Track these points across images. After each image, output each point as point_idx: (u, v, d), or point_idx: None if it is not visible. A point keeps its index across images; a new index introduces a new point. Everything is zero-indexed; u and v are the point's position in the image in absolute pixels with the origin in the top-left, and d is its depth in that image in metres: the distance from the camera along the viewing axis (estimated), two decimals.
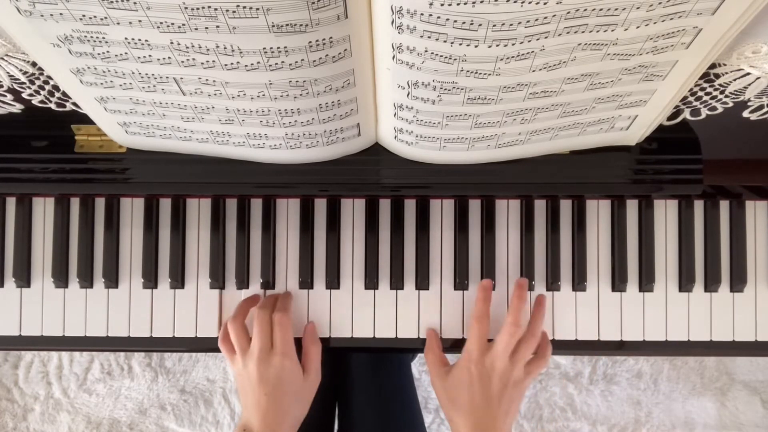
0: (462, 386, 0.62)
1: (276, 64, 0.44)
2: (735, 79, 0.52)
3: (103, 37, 0.43)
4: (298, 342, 0.67)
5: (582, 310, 0.69)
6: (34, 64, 0.53)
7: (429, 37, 0.41)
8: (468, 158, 0.59)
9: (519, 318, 0.64)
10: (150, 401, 1.41)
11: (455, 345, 0.69)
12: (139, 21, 0.40)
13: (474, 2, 0.37)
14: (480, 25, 0.39)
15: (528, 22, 0.39)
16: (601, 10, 0.39)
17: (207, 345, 0.69)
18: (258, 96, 0.48)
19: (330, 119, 0.53)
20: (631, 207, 0.70)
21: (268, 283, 0.69)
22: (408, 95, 0.49)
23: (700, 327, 0.69)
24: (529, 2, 0.37)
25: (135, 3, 0.39)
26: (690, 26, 0.42)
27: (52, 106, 0.57)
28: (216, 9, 0.39)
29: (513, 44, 0.41)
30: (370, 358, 0.88)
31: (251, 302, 0.67)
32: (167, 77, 0.47)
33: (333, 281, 0.69)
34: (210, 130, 0.55)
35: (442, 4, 0.38)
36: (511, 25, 0.39)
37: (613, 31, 0.42)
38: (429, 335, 0.68)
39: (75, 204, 0.69)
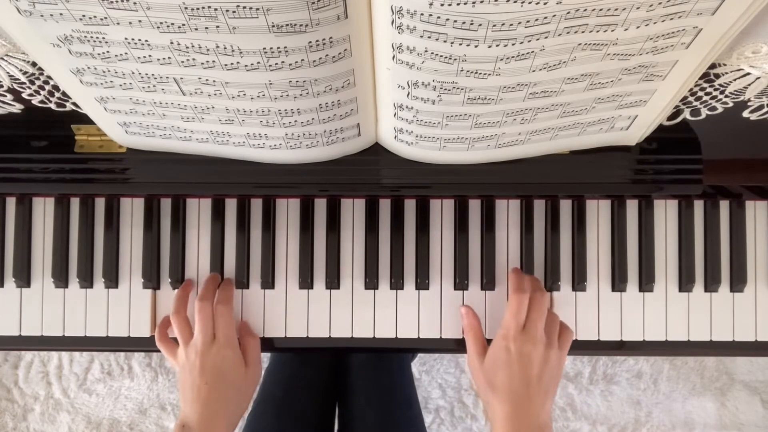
0: (500, 366, 0.60)
1: (276, 64, 0.44)
2: (735, 79, 0.52)
3: (103, 38, 0.43)
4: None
5: (582, 310, 0.69)
6: (34, 64, 0.53)
7: (429, 37, 0.41)
8: (468, 158, 0.59)
9: (540, 285, 0.66)
10: (150, 401, 1.41)
11: (455, 346, 0.69)
12: (139, 21, 0.40)
13: (474, 2, 0.37)
14: (480, 25, 0.39)
15: (528, 22, 0.39)
16: (601, 10, 0.39)
17: None
18: (258, 96, 0.48)
19: (330, 119, 0.53)
20: (631, 207, 0.70)
21: (268, 283, 0.69)
22: (408, 95, 0.49)
23: (700, 327, 0.69)
24: (529, 2, 0.37)
25: (135, 3, 0.39)
26: (690, 26, 0.42)
27: (52, 106, 0.57)
28: (216, 9, 0.39)
29: (513, 44, 0.41)
30: (370, 358, 0.88)
31: (186, 292, 0.68)
32: (167, 77, 0.47)
33: (333, 281, 0.69)
34: (210, 130, 0.55)
35: (442, 4, 0.38)
36: (511, 25, 0.39)
37: (613, 31, 0.42)
38: (465, 313, 0.66)
39: (75, 204, 0.69)
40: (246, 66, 0.44)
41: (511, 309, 0.62)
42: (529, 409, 0.58)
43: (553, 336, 0.62)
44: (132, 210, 0.70)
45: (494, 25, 0.39)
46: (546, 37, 0.41)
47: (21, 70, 0.53)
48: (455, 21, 0.39)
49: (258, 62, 0.44)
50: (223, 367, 0.62)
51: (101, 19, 0.41)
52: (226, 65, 0.44)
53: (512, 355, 0.60)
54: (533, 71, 0.45)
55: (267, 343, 0.69)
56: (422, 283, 0.69)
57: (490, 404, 0.61)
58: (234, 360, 0.64)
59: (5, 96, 0.57)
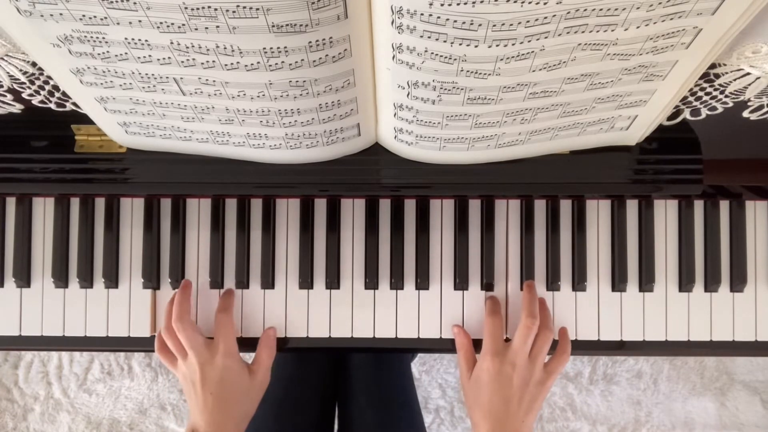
0: (481, 385, 0.62)
1: (276, 64, 0.44)
2: (735, 79, 0.52)
3: (103, 38, 0.43)
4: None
5: (582, 310, 0.69)
6: (34, 64, 0.53)
7: (429, 37, 0.41)
8: (468, 158, 0.59)
9: (534, 310, 0.64)
10: (150, 401, 1.41)
11: (455, 347, 0.69)
12: (139, 21, 0.40)
13: (474, 2, 0.37)
14: (480, 25, 0.39)
15: (528, 22, 0.39)
16: (601, 10, 0.39)
17: None
18: (258, 96, 0.48)
19: (330, 119, 0.53)
20: (631, 207, 0.70)
21: (268, 283, 0.69)
22: (408, 95, 0.49)
23: (700, 327, 0.69)
24: (529, 2, 0.37)
25: (135, 3, 0.39)
26: (690, 26, 0.42)
27: (52, 106, 0.57)
28: (216, 9, 0.39)
29: (513, 44, 0.41)
30: (370, 358, 0.88)
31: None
32: (167, 77, 0.47)
33: (333, 281, 0.69)
34: (210, 130, 0.55)
35: (442, 4, 0.38)
36: (511, 25, 0.39)
37: (613, 31, 0.42)
38: (456, 333, 0.67)
39: (75, 204, 0.69)
40: (246, 66, 0.44)
41: (486, 333, 0.65)
42: (509, 427, 0.60)
43: (538, 359, 0.63)
44: (132, 210, 0.70)
45: (494, 25, 0.39)
46: (546, 37, 0.41)
47: (21, 70, 0.53)
48: (455, 21, 0.39)
49: (258, 62, 0.44)
50: (226, 377, 0.63)
51: (101, 19, 0.41)
52: (226, 65, 0.44)
53: (492, 374, 0.62)
54: (533, 71, 0.45)
55: None
56: (422, 283, 0.69)
57: (473, 420, 0.63)
58: (237, 369, 0.64)
59: (5, 96, 0.57)
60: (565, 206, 0.70)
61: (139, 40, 0.43)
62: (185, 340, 0.63)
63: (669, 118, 0.59)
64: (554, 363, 0.65)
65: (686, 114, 0.59)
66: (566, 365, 0.66)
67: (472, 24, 0.39)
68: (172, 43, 0.42)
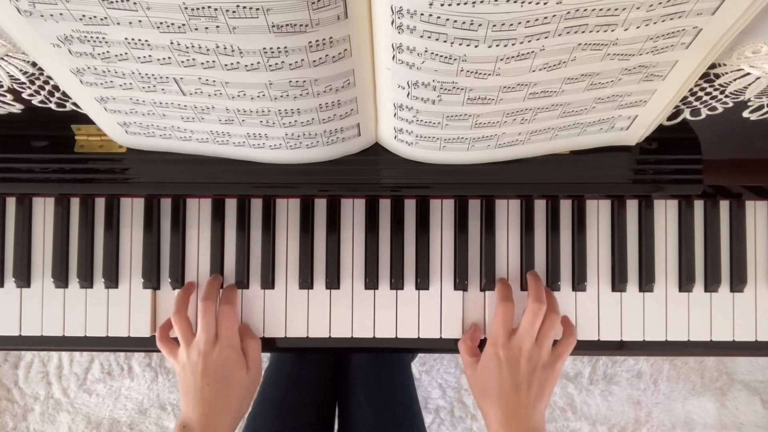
0: (490, 373, 0.62)
1: (276, 64, 0.44)
2: (735, 79, 0.52)
3: (103, 38, 0.43)
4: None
5: (582, 310, 0.69)
6: (34, 64, 0.53)
7: (429, 37, 0.41)
8: (468, 158, 0.59)
9: (541, 295, 0.64)
10: (150, 401, 1.41)
11: (455, 346, 0.69)
12: (139, 21, 0.40)
13: (474, 2, 0.37)
14: (480, 25, 0.39)
15: (528, 22, 0.39)
16: (601, 10, 0.39)
17: None
18: (258, 96, 0.48)
19: (330, 119, 0.53)
20: (631, 207, 0.70)
21: (268, 283, 0.69)
22: (408, 95, 0.49)
23: (700, 327, 0.69)
24: (529, 2, 0.37)
25: (135, 3, 0.39)
26: (690, 26, 0.42)
27: (52, 106, 0.57)
28: (216, 9, 0.39)
29: (513, 44, 0.41)
30: (370, 358, 0.88)
31: (188, 293, 0.68)
32: (167, 77, 0.47)
33: (333, 281, 0.69)
34: (210, 130, 0.55)
35: (442, 4, 0.38)
36: (511, 25, 0.39)
37: (613, 31, 0.42)
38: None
39: (75, 204, 0.69)
40: (246, 66, 0.44)
41: (497, 319, 0.64)
42: (520, 413, 0.60)
43: (545, 343, 0.63)
44: (132, 210, 0.70)
45: (494, 25, 0.39)
46: (546, 37, 0.41)
47: (21, 70, 0.53)
48: (455, 21, 0.39)
49: (258, 62, 0.44)
50: (225, 368, 0.63)
51: (101, 19, 0.41)
52: (226, 65, 0.44)
53: (501, 361, 0.62)
54: (533, 71, 0.45)
55: (267, 343, 0.69)
56: (422, 283, 0.69)
57: (483, 410, 0.63)
58: (236, 361, 0.64)
59: (5, 96, 0.57)
60: (565, 206, 0.70)
61: (139, 40, 0.43)
62: (203, 321, 0.63)
63: (669, 118, 0.59)
64: (561, 346, 0.64)
65: (686, 114, 0.59)
66: (573, 346, 0.65)
67: (472, 24, 0.39)
68: (172, 43, 0.42)
